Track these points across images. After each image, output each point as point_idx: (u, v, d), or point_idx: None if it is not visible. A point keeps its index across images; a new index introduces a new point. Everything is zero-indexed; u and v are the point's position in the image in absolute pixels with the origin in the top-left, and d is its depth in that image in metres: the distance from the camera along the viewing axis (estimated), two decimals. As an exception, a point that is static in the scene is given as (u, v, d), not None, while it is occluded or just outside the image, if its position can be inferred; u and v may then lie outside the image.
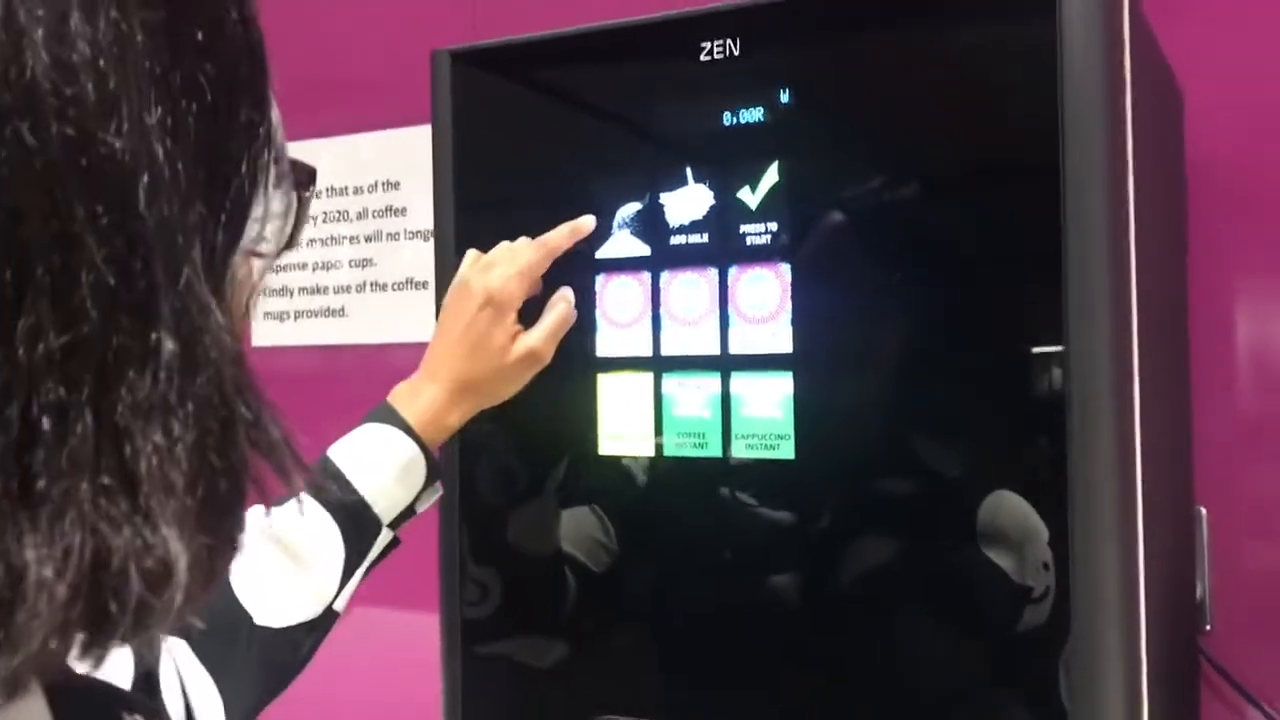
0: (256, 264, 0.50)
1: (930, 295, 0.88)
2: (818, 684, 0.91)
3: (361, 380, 1.75)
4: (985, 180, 0.88)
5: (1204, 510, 1.23)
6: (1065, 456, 0.81)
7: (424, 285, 1.64)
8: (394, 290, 1.67)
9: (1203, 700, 1.22)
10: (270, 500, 0.47)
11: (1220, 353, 1.25)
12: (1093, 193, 0.81)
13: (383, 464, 0.87)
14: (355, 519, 0.85)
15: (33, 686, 0.45)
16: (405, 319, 1.65)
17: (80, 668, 0.50)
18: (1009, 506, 0.84)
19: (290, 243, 0.54)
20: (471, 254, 0.94)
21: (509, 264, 0.92)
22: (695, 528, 0.95)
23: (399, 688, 1.60)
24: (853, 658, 0.90)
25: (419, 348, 1.61)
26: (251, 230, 0.47)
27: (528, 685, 1.02)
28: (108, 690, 0.56)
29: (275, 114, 0.48)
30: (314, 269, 1.73)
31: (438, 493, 0.93)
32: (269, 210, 0.48)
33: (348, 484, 0.85)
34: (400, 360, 1.69)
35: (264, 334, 1.77)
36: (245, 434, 0.42)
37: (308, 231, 1.72)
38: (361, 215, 1.69)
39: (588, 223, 0.94)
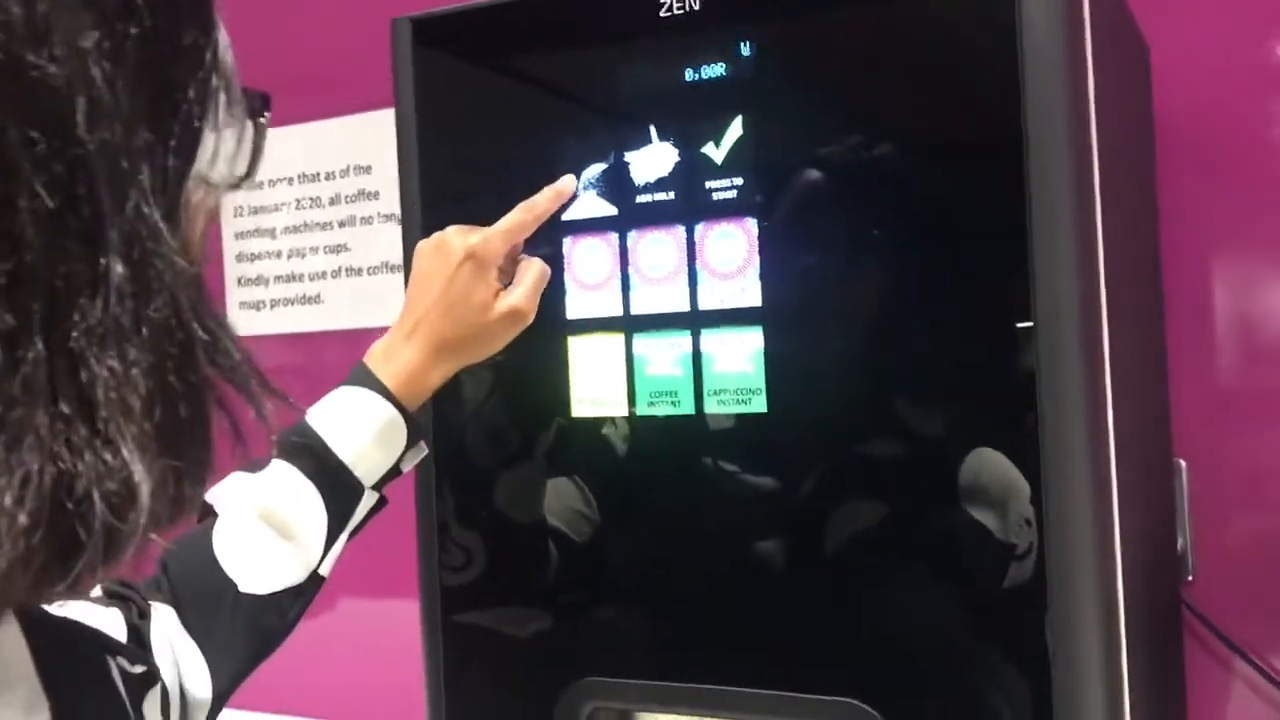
0: (214, 191, 0.49)
1: (900, 249, 0.88)
2: (799, 643, 0.91)
3: (340, 366, 1.74)
4: (950, 136, 0.87)
5: (1183, 463, 1.23)
6: (1036, 415, 0.81)
7: (399, 269, 1.63)
8: (369, 275, 1.66)
9: (1187, 649, 1.22)
10: (242, 432, 0.47)
11: (1196, 307, 1.25)
12: (1055, 154, 0.81)
13: (361, 428, 0.85)
14: (336, 483, 0.84)
15: (10, 623, 0.45)
16: (382, 303, 1.65)
17: (69, 609, 0.50)
18: (990, 464, 0.84)
19: (249, 173, 0.54)
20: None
21: (491, 227, 0.91)
22: (671, 487, 0.95)
23: (384, 672, 1.59)
24: (833, 616, 0.89)
25: (396, 332, 1.62)
26: (205, 156, 0.47)
27: (510, 655, 1.01)
28: (94, 635, 0.55)
29: (223, 38, 0.47)
30: (288, 256, 1.72)
31: (422, 452, 0.92)
32: (222, 135, 0.48)
33: (327, 449, 0.84)
34: (377, 345, 1.69)
35: (240, 323, 1.75)
36: (204, 356, 0.43)
37: (280, 218, 1.72)
38: (334, 200, 1.68)
39: (569, 183, 0.93)
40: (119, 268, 0.39)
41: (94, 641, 0.55)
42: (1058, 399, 0.81)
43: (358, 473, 0.85)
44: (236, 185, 0.53)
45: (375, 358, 0.90)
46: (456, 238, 0.90)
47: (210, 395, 0.43)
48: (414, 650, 1.06)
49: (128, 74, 0.41)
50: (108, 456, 0.38)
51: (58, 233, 0.37)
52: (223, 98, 0.48)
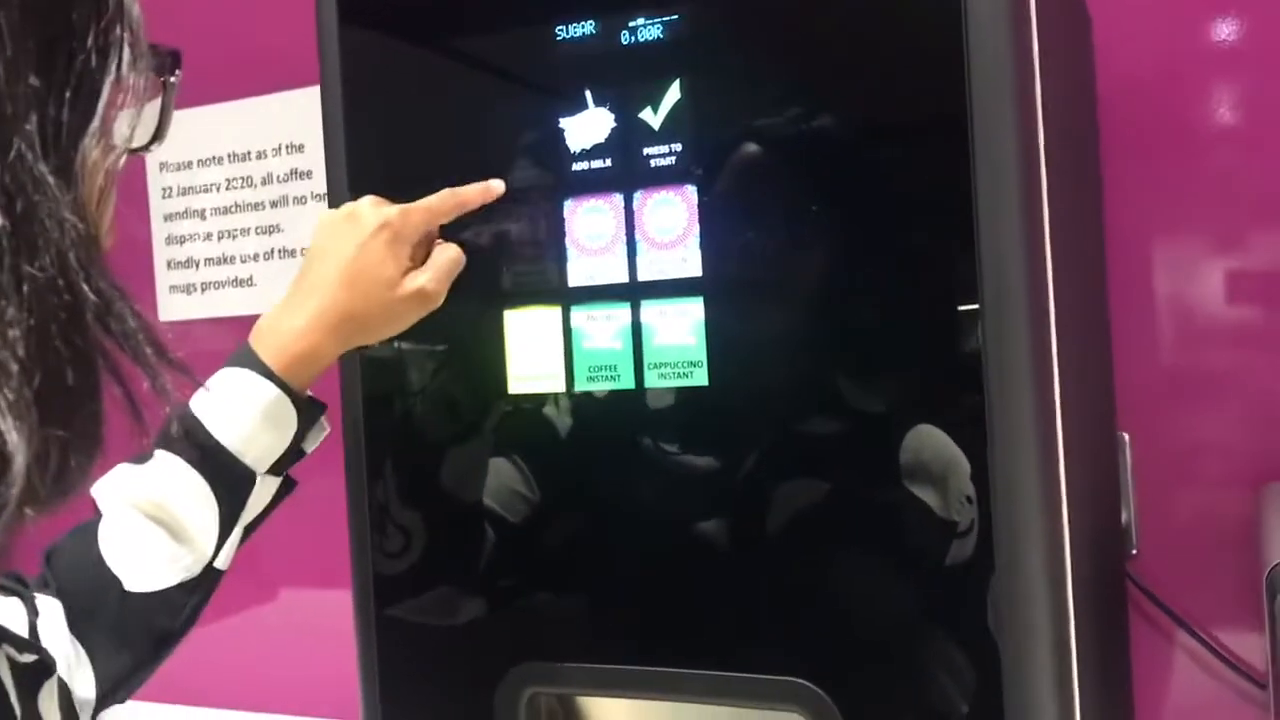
0: (115, 151, 0.47)
1: (843, 223, 0.86)
2: (743, 623, 0.89)
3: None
4: (894, 109, 0.85)
5: (1127, 436, 1.23)
6: (984, 390, 0.79)
7: (334, 250, 1.59)
8: (302, 256, 1.62)
9: (1132, 623, 1.22)
10: (139, 407, 0.44)
11: (1139, 282, 1.24)
12: (1001, 129, 0.79)
13: (244, 411, 0.80)
14: (224, 471, 0.79)
15: None
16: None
17: None
18: (931, 441, 0.83)
19: (158, 134, 0.52)
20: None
21: (413, 203, 0.87)
22: (611, 465, 0.92)
23: (326, 662, 1.56)
24: (777, 594, 0.87)
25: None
26: (104, 112, 0.44)
27: (448, 641, 0.98)
28: None
29: None
30: (219, 238, 1.67)
31: (324, 430, 0.87)
32: (126, 91, 0.45)
33: (210, 436, 0.79)
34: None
35: (171, 307, 1.70)
36: (94, 320, 0.40)
37: (210, 199, 1.67)
38: (266, 180, 1.64)
39: (498, 186, 0.89)
40: (1, 222, 0.37)
41: None
42: (1005, 374, 0.80)
43: (247, 460, 0.80)
44: (144, 148, 0.50)
45: (262, 334, 0.84)
46: (371, 209, 0.86)
47: (101, 364, 0.41)
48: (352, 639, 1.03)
49: (12, 18, 0.39)
50: None
51: None
52: (126, 51, 0.45)
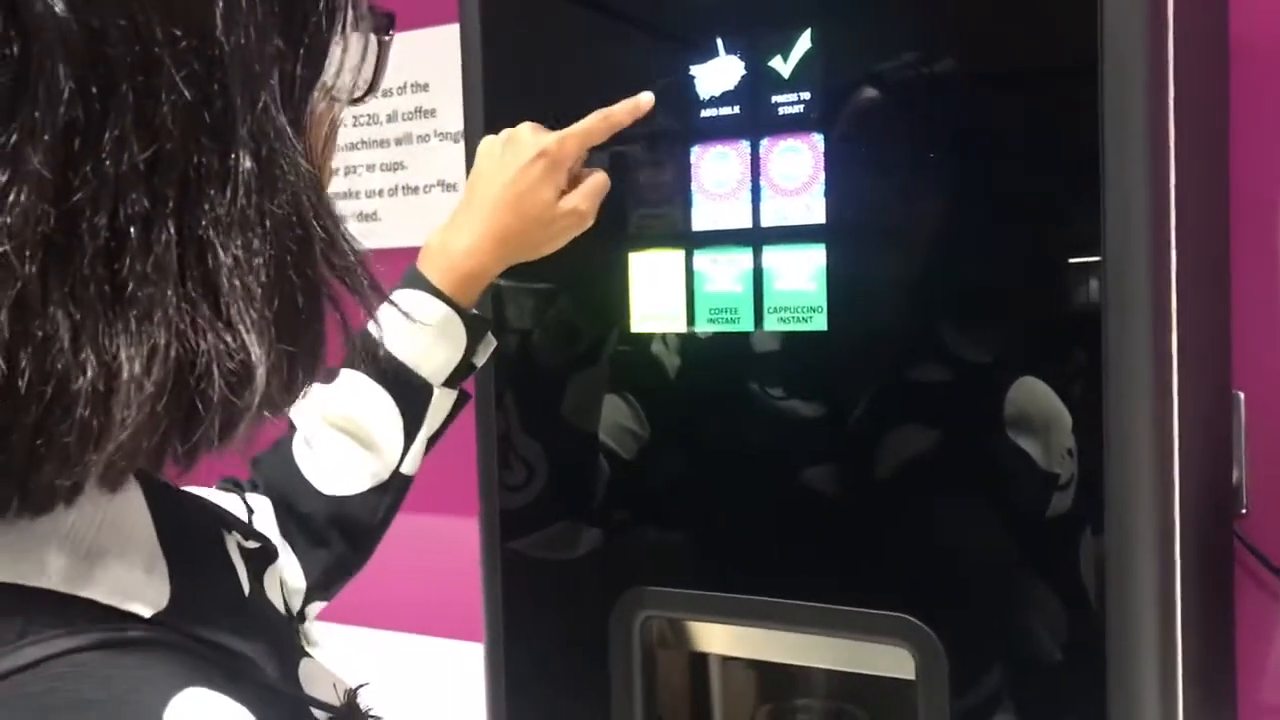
0: (337, 103, 0.51)
1: (967, 172, 0.87)
2: (850, 559, 0.92)
3: (395, 283, 1.76)
4: (1023, 58, 0.86)
5: (1241, 395, 1.22)
6: (1099, 344, 0.80)
7: (454, 187, 1.63)
8: (424, 193, 1.67)
9: (1237, 582, 1.22)
10: (351, 331, 0.49)
11: (1261, 238, 1.22)
12: (1132, 80, 0.79)
13: (416, 329, 0.87)
14: (403, 384, 0.86)
15: (135, 491, 0.48)
16: (437, 222, 1.65)
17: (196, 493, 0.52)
18: (1037, 393, 0.84)
19: (372, 87, 0.56)
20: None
21: (567, 129, 0.92)
22: (727, 406, 0.96)
23: (444, 584, 1.63)
24: (884, 533, 0.90)
25: (451, 250, 1.63)
26: (330, 69, 0.49)
27: (566, 567, 1.03)
28: (213, 509, 0.58)
29: None
30: (345, 174, 1.73)
31: (492, 344, 0.93)
32: (348, 49, 0.50)
33: (388, 352, 0.86)
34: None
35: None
36: (321, 253, 0.45)
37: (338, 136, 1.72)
38: (391, 118, 1.68)
39: (648, 100, 0.93)
40: (247, 163, 0.42)
41: (212, 514, 0.57)
42: (1124, 327, 0.80)
43: (423, 373, 0.87)
44: (359, 100, 0.55)
45: (431, 254, 0.91)
46: (530, 135, 0.91)
47: (325, 291, 0.46)
48: (473, 561, 1.09)
49: None
50: (228, 338, 0.41)
51: (194, 125, 0.40)
52: (350, 12, 0.50)
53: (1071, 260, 0.83)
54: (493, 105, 1.04)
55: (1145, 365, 0.81)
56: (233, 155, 0.41)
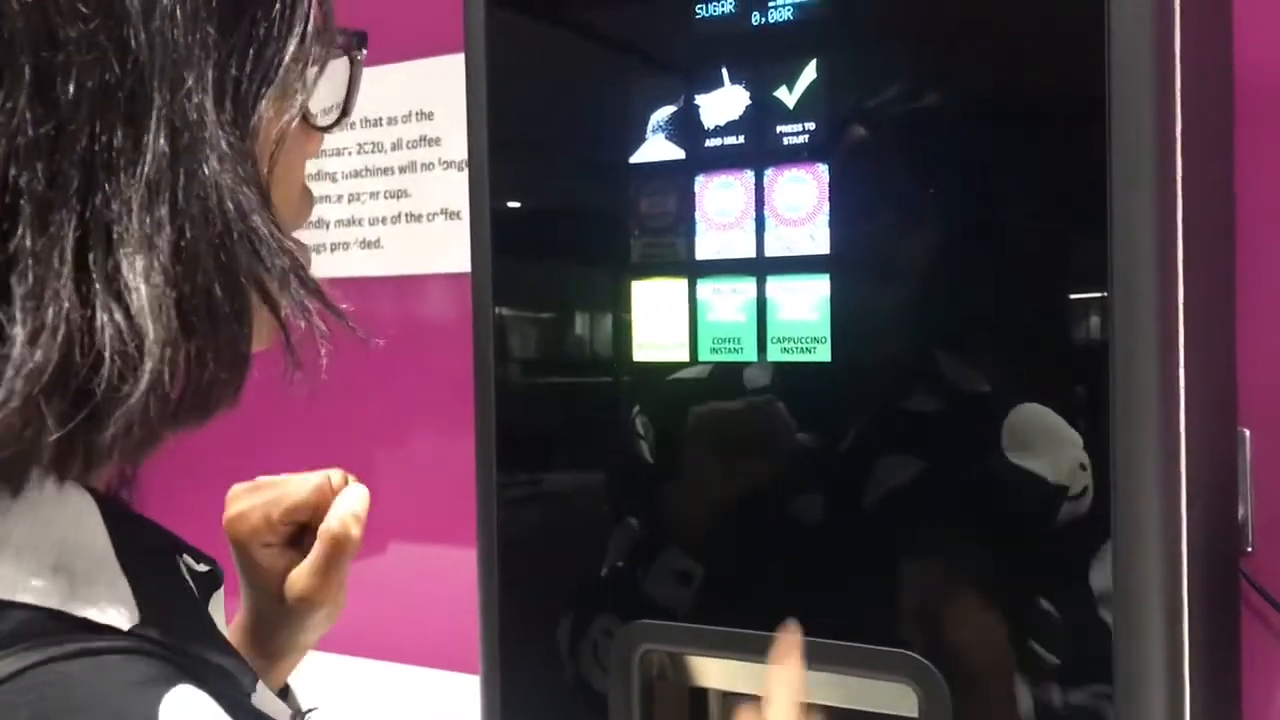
0: (290, 110, 0.50)
1: (973, 205, 0.87)
2: (854, 594, 0.90)
3: (397, 312, 1.76)
4: (1030, 91, 0.86)
5: (1247, 432, 1.21)
6: (1106, 379, 0.80)
7: (458, 215, 1.63)
8: (428, 221, 1.67)
9: (1243, 621, 1.21)
10: (291, 340, 0.48)
11: (1266, 274, 1.22)
12: (1139, 116, 0.79)
13: None
14: None
15: (92, 511, 0.46)
16: (440, 250, 1.65)
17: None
18: (1037, 419, 0.83)
19: (345, 110, 0.56)
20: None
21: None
22: (730, 435, 0.95)
23: (439, 616, 1.62)
24: (890, 568, 0.89)
25: (453, 279, 1.63)
26: (287, 76, 0.48)
27: (565, 599, 1.02)
28: (164, 531, 0.57)
29: None
30: (348, 200, 1.73)
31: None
32: (307, 59, 0.49)
33: None
34: (435, 291, 1.70)
35: (300, 266, 1.77)
36: (248, 250, 0.44)
37: (341, 163, 1.73)
38: (395, 146, 1.69)
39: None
40: (162, 146, 0.41)
41: (165, 535, 0.55)
42: (1131, 363, 0.80)
43: None
44: (335, 124, 0.54)
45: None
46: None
47: (249, 287, 0.45)
48: (471, 593, 1.07)
49: None
50: (120, 318, 0.40)
51: (101, 106, 0.40)
52: (310, 23, 0.49)
53: (1079, 295, 0.82)
54: (497, 134, 1.04)
55: (1152, 401, 0.80)
56: (145, 139, 0.41)
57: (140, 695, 0.40)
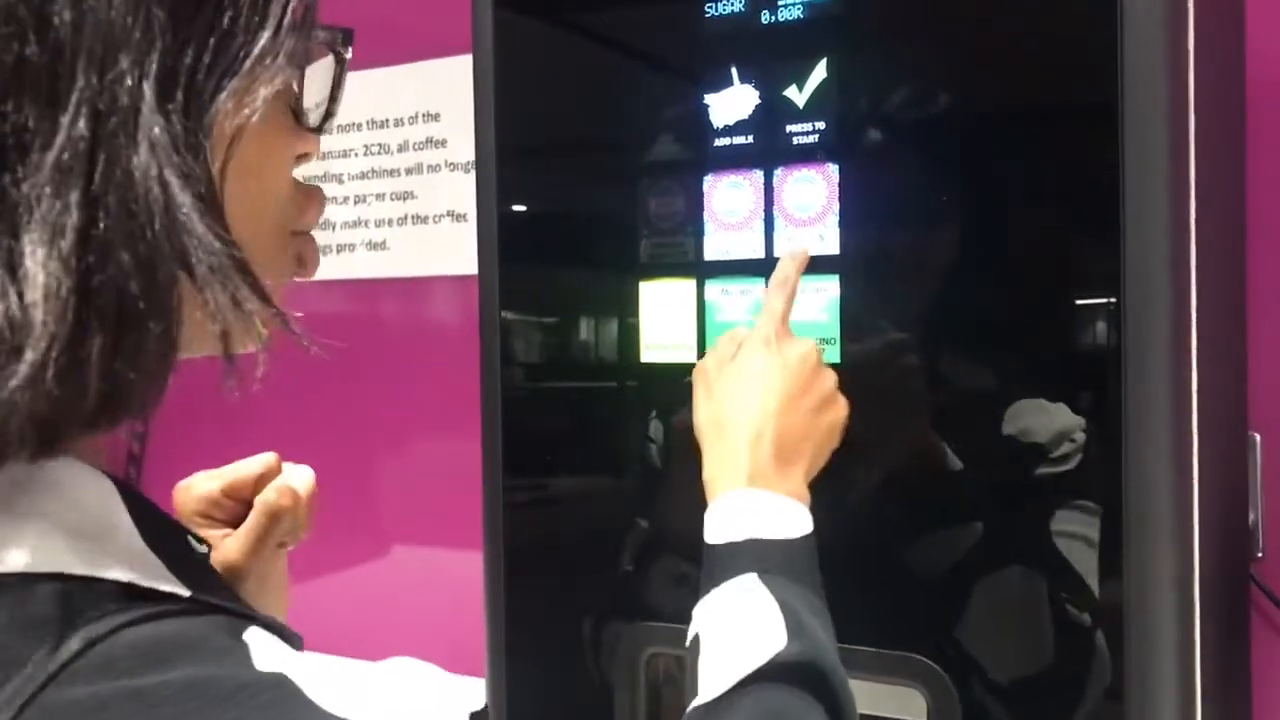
0: (256, 108, 0.47)
1: (984, 207, 0.86)
2: (860, 596, 0.90)
3: (403, 315, 1.76)
4: (1042, 94, 0.85)
5: (1258, 436, 1.20)
6: (1119, 384, 0.79)
7: (464, 218, 1.63)
8: (434, 223, 1.67)
9: (1253, 625, 1.20)
10: (231, 339, 0.45)
11: (1277, 279, 1.21)
12: (1153, 122, 0.79)
13: None
14: None
15: (113, 493, 0.45)
16: (446, 251, 1.65)
17: None
18: (1041, 408, 0.83)
19: (328, 111, 0.54)
20: None
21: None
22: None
23: (443, 618, 1.61)
24: (897, 570, 0.88)
25: (459, 280, 1.62)
26: (250, 68, 0.46)
27: (571, 601, 1.02)
28: (174, 520, 0.56)
29: None
30: (354, 202, 1.73)
31: None
32: (283, 50, 0.47)
33: None
34: (441, 293, 1.70)
35: (305, 268, 1.77)
36: (175, 242, 0.42)
37: (347, 165, 1.73)
38: (402, 148, 1.68)
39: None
40: (81, 128, 0.40)
41: (171, 520, 0.55)
42: (1144, 368, 0.79)
43: None
44: (320, 126, 0.53)
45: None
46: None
47: (173, 286, 0.42)
48: (477, 595, 1.07)
49: None
50: (12, 303, 0.39)
51: (14, 83, 0.39)
52: (288, 16, 0.47)
53: (1092, 300, 0.81)
54: (505, 135, 1.03)
55: (1165, 406, 0.80)
56: (61, 119, 0.40)
57: (229, 630, 0.42)
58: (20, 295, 0.39)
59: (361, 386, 1.68)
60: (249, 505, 0.72)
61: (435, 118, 1.66)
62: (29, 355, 0.39)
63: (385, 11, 1.69)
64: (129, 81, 0.41)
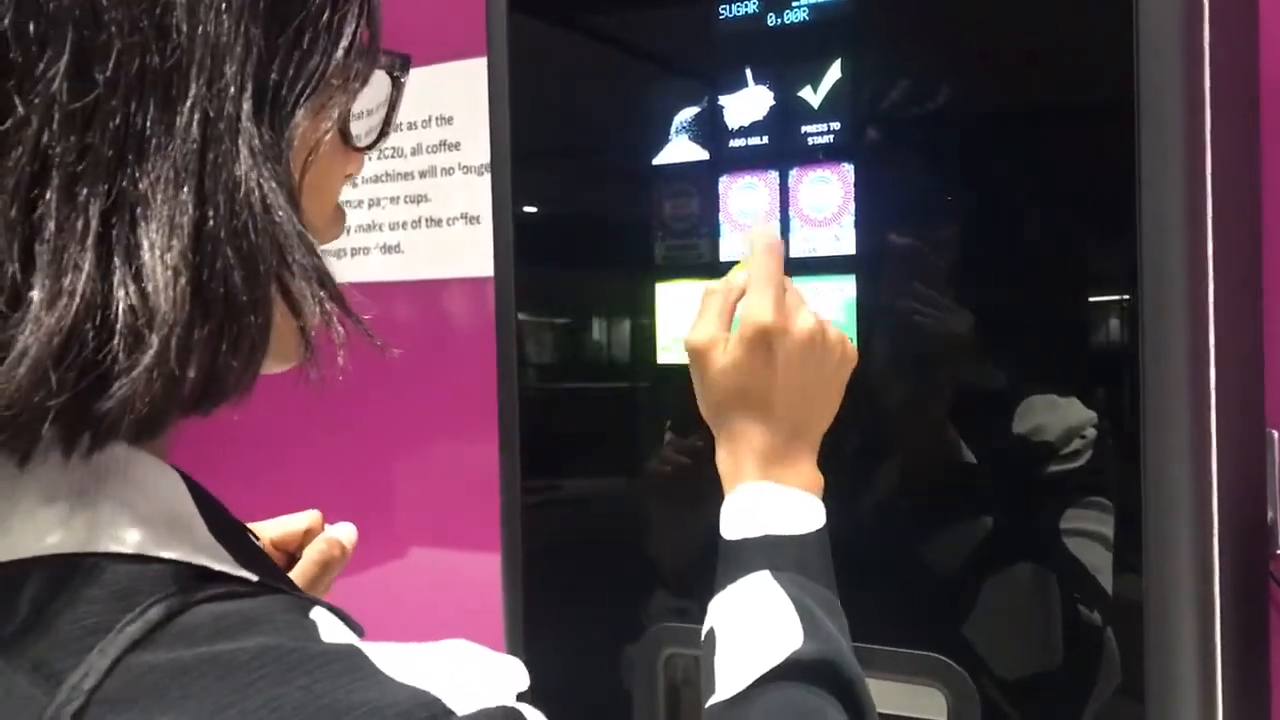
0: (325, 123, 0.50)
1: (1000, 206, 0.86)
2: (880, 596, 0.90)
3: (417, 317, 1.76)
4: (1058, 94, 0.85)
5: (1276, 434, 1.20)
6: (1137, 382, 0.79)
7: (477, 220, 1.63)
8: (448, 226, 1.67)
9: (1272, 623, 1.20)
10: (310, 337, 0.48)
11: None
12: (1169, 122, 0.79)
13: None
14: None
15: (180, 485, 0.48)
16: (460, 254, 1.65)
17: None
18: (1054, 404, 0.83)
19: (383, 132, 0.56)
20: None
21: None
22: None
23: (460, 619, 1.61)
24: (915, 569, 0.89)
25: (473, 283, 1.63)
26: (330, 89, 0.49)
27: (589, 603, 1.02)
28: (231, 514, 0.57)
29: None
30: (368, 205, 1.73)
31: None
32: (350, 75, 0.50)
33: None
34: (454, 295, 1.70)
35: (320, 271, 1.77)
36: (270, 243, 0.45)
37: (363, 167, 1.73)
38: (415, 150, 1.69)
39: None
40: (195, 135, 0.43)
41: (230, 514, 0.56)
42: (1162, 366, 0.79)
43: None
44: (372, 145, 0.55)
45: None
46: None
47: (272, 283, 0.46)
48: (495, 597, 1.07)
49: None
50: (134, 292, 0.41)
51: (138, 88, 0.42)
52: (358, 39, 0.50)
53: (1109, 297, 0.81)
54: (519, 138, 1.04)
55: (1184, 404, 0.80)
56: (178, 123, 0.42)
57: (299, 608, 0.45)
58: (141, 285, 0.41)
59: (377, 388, 1.68)
60: (293, 557, 0.78)
61: (449, 121, 1.66)
62: (155, 341, 0.41)
63: (399, 15, 1.69)
64: (232, 91, 0.44)
